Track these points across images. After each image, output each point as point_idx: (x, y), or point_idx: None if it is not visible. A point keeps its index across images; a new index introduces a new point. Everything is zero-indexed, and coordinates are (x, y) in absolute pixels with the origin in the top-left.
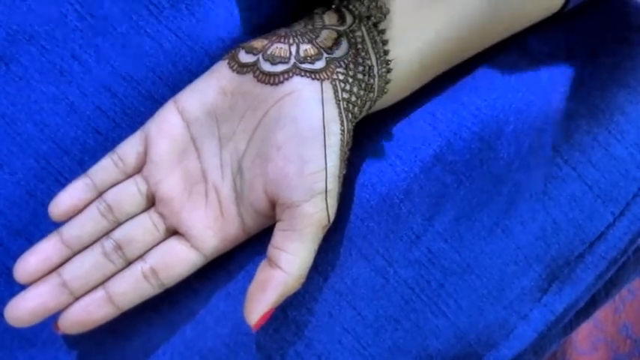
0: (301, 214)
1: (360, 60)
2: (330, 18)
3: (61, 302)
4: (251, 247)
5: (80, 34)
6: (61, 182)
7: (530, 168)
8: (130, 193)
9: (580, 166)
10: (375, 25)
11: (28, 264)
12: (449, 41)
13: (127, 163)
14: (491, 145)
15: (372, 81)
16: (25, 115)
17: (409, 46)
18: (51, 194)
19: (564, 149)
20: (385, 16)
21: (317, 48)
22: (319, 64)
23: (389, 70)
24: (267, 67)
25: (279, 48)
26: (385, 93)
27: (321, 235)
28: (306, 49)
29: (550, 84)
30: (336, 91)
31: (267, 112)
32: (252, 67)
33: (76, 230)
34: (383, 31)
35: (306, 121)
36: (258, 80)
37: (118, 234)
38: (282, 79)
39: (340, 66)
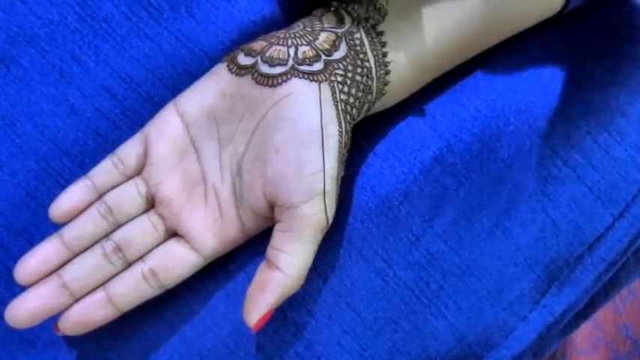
0: (300, 215)
1: (359, 62)
2: (328, 20)
3: (61, 303)
4: (251, 248)
5: (80, 36)
6: (61, 184)
7: (530, 169)
8: (130, 195)
9: (580, 168)
10: (374, 27)
11: (29, 265)
12: (448, 43)
13: (127, 164)
14: (491, 146)
15: (370, 83)
16: (25, 117)
17: (408, 48)
18: (51, 196)
19: (564, 150)
20: (383, 19)
21: (315, 50)
22: (317, 66)
23: (387, 72)
24: (265, 69)
25: (277, 50)
26: (384, 95)
27: (320, 237)
28: (304, 51)
29: (550, 85)
30: (334, 93)
31: (266, 114)
32: (250, 69)
33: (77, 232)
34: (381, 33)
35: (304, 123)
36: (257, 82)
37: (118, 235)
38: (280, 80)
39: (339, 68)
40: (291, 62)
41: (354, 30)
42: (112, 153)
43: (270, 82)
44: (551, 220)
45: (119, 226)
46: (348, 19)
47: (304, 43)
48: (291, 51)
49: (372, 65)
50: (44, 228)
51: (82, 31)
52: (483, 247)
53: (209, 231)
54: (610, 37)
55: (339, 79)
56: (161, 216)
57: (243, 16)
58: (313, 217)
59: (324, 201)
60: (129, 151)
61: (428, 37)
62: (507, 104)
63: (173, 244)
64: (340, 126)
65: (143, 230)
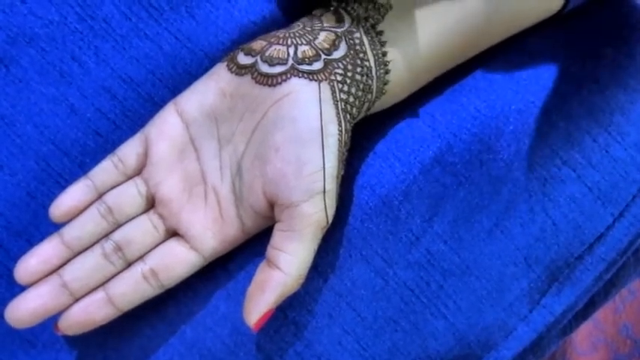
0: (300, 215)
1: (359, 61)
2: (328, 20)
3: (61, 303)
4: (251, 248)
5: (80, 36)
6: (61, 184)
7: (530, 169)
8: (130, 195)
9: (580, 168)
10: (373, 26)
11: (29, 265)
12: (448, 43)
13: (127, 164)
14: (491, 146)
15: (370, 82)
16: (25, 117)
17: (408, 47)
18: (51, 196)
19: (564, 150)
20: (383, 18)
21: (315, 49)
22: (317, 65)
23: (387, 72)
24: (265, 68)
25: (277, 49)
26: (383, 94)
27: (320, 236)
28: (304, 51)
29: (550, 85)
30: (333, 92)
31: (266, 114)
32: (250, 69)
33: (77, 231)
34: (381, 33)
35: (303, 122)
36: (257, 82)
37: (117, 235)
38: (280, 80)
39: (338, 67)
40: (290, 62)
41: (354, 29)
42: (112, 153)
43: (269, 81)
44: (551, 219)
45: (119, 226)
46: (347, 19)
47: (304, 42)
48: (291, 50)
49: (372, 64)
50: (44, 228)
51: (82, 32)
52: (483, 247)
53: (209, 230)
54: (610, 37)
55: (339, 78)
56: (161, 216)
57: (243, 17)
58: (313, 217)
59: (324, 200)
60: (129, 151)
61: (428, 36)
62: (507, 104)
63: (173, 244)
64: (340, 125)
65: (143, 230)
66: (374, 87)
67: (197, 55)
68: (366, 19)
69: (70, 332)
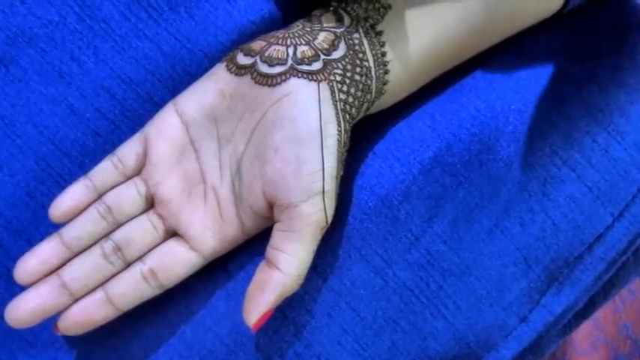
0: (299, 215)
1: (358, 61)
2: (327, 20)
3: (60, 303)
4: (250, 248)
5: (79, 36)
6: (61, 184)
7: (530, 169)
8: (130, 195)
9: (579, 167)
10: (373, 26)
11: (28, 265)
12: (447, 43)
13: (126, 165)
14: (491, 146)
15: (369, 82)
16: (24, 117)
17: (407, 47)
18: (51, 196)
19: (563, 150)
20: (382, 18)
21: (314, 49)
22: (316, 66)
23: (386, 72)
24: (264, 68)
25: (276, 50)
26: (383, 94)
27: (319, 236)
28: (303, 51)
29: (549, 85)
30: (333, 92)
31: (265, 114)
32: (249, 69)
33: (76, 232)
34: (380, 33)
35: (303, 122)
36: (256, 82)
37: (117, 235)
38: (279, 80)
39: (338, 67)
40: (290, 62)
41: (353, 30)
42: (111, 153)
43: (269, 81)
44: (551, 219)
45: (119, 226)
46: (347, 19)
47: (303, 42)
48: (290, 50)
49: (371, 65)
50: (44, 228)
51: (81, 32)
52: (483, 247)
53: (208, 230)
54: (610, 37)
55: (338, 78)
56: (160, 216)
57: (243, 17)
58: (312, 217)
59: (324, 200)
60: (128, 151)
61: (427, 36)
62: (507, 104)
63: (172, 244)
64: (339, 125)
65: (142, 230)
66: (373, 87)
67: (196, 55)
68: (366, 19)
69: (70, 332)
